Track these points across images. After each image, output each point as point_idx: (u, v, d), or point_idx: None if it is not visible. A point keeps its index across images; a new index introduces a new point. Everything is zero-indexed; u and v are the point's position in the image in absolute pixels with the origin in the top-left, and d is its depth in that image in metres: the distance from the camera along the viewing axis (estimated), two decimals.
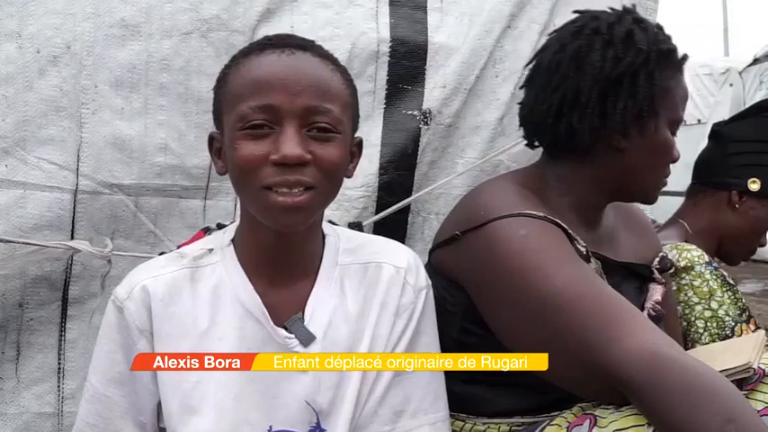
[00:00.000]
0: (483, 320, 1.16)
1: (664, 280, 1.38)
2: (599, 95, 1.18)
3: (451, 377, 1.15)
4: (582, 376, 1.04)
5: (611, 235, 1.34)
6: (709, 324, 1.53)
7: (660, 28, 1.24)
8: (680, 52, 1.25)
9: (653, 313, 1.28)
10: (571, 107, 1.20)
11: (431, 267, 1.27)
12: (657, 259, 1.40)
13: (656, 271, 1.37)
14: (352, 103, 1.04)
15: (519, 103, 1.33)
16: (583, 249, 1.18)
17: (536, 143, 1.32)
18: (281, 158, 0.92)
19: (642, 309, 1.29)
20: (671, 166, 1.29)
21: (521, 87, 1.33)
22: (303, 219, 0.98)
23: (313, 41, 1.04)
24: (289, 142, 0.93)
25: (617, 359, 0.97)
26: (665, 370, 0.94)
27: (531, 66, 1.31)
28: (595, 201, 1.28)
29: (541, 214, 1.15)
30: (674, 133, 1.26)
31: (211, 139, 1.05)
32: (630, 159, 1.23)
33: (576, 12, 1.30)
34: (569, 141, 1.21)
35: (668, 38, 1.24)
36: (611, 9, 1.27)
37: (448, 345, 1.17)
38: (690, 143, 3.03)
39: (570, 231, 1.17)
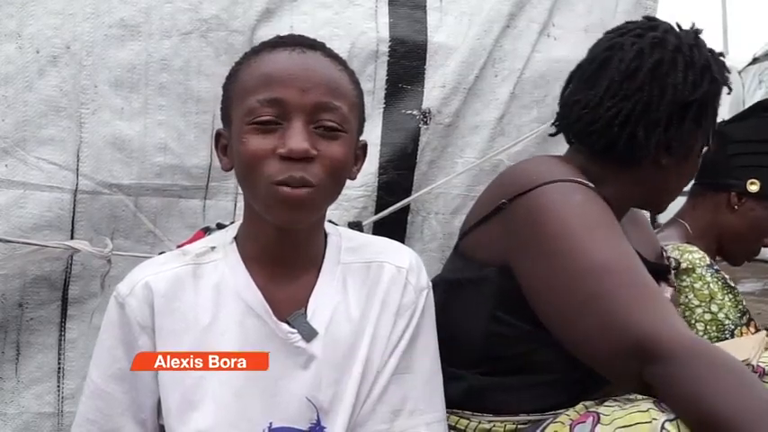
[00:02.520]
0: (516, 307, 1.15)
1: (675, 283, 1.38)
2: (669, 114, 1.19)
3: (468, 369, 1.17)
4: (610, 348, 1.03)
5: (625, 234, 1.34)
6: (708, 327, 1.53)
7: (722, 56, 1.26)
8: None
9: None
10: (639, 119, 1.19)
11: (460, 256, 1.26)
12: (673, 260, 1.41)
13: (672, 271, 1.38)
14: (359, 104, 1.05)
15: (567, 96, 1.29)
16: None
17: (572, 140, 1.30)
18: (287, 152, 0.93)
19: None
20: None
21: (568, 82, 1.31)
22: (305, 216, 0.98)
23: (323, 43, 1.05)
24: (296, 136, 0.93)
25: (662, 331, 0.98)
26: (706, 349, 0.97)
27: (588, 61, 1.27)
28: (622, 206, 1.28)
29: (591, 184, 1.16)
30: None
31: (218, 136, 1.05)
32: (669, 177, 1.26)
33: (646, 17, 1.30)
34: (627, 150, 1.20)
35: (724, 65, 1.25)
36: (678, 26, 1.26)
37: (474, 336, 1.17)
38: None
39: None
